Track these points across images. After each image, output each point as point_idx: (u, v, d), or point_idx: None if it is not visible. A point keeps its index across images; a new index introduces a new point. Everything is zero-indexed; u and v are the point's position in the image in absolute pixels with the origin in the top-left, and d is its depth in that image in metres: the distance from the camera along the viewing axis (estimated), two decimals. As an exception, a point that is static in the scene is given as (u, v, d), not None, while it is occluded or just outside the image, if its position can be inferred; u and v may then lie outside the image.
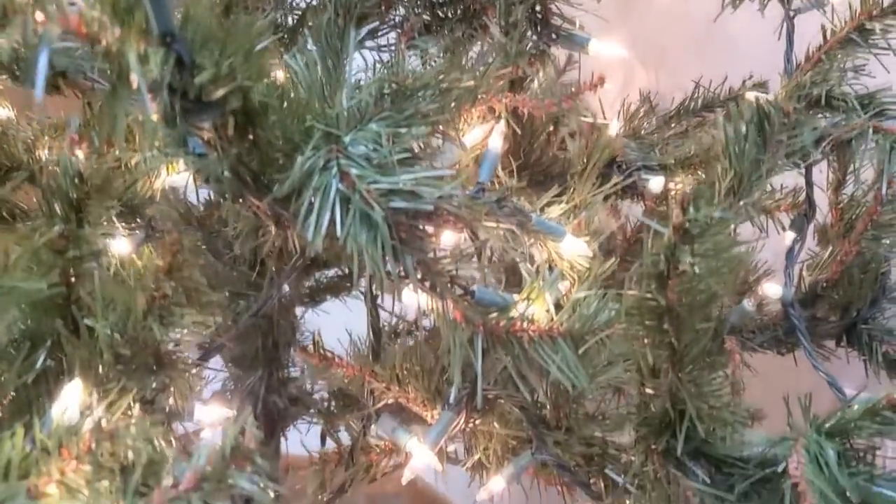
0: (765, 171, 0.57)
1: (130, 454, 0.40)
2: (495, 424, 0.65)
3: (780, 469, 0.54)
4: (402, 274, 0.49)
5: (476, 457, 0.65)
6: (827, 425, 0.54)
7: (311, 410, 0.93)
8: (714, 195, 0.42)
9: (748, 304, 0.79)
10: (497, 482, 0.62)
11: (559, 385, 0.68)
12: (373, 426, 0.64)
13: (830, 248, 0.85)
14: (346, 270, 1.13)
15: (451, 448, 0.74)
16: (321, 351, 0.68)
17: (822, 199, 0.88)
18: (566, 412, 0.67)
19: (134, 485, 0.38)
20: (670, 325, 0.50)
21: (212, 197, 0.93)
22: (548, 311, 0.55)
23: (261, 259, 0.90)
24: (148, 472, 0.40)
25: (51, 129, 0.73)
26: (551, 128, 0.63)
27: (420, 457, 0.57)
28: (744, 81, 0.97)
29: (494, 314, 0.54)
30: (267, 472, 0.38)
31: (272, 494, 0.38)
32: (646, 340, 0.51)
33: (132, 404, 0.40)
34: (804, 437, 0.52)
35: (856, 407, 0.54)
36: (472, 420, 0.60)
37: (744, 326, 0.83)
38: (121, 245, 0.57)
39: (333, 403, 0.85)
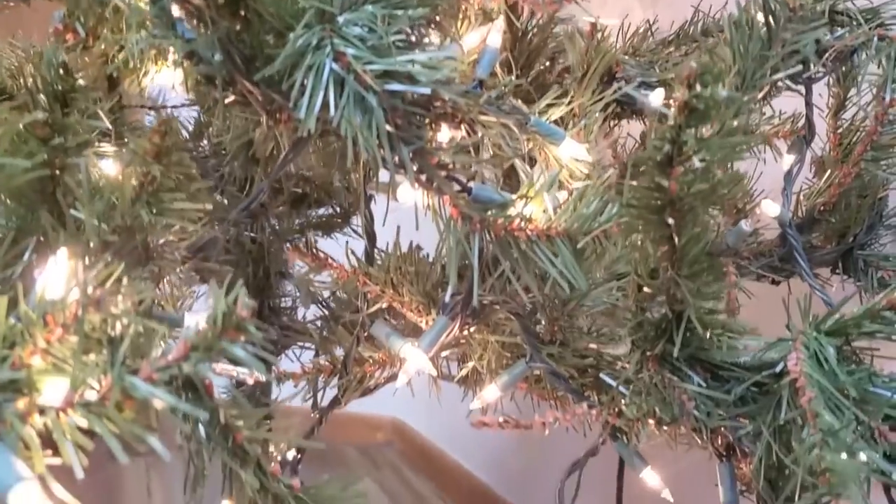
0: (769, 70, 0.56)
1: (118, 326, 0.39)
2: (491, 339, 0.64)
3: (778, 370, 0.54)
4: (398, 163, 0.48)
5: (470, 364, 0.65)
6: (826, 325, 0.53)
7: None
8: (721, 73, 0.41)
9: (745, 224, 0.78)
10: (491, 391, 0.61)
11: (554, 298, 0.68)
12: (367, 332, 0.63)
13: (829, 173, 0.84)
14: (338, 209, 1.12)
15: (444, 365, 0.74)
16: (314, 251, 0.67)
17: (820, 129, 0.87)
18: (560, 325, 0.67)
19: (121, 356, 0.37)
20: (672, 219, 0.49)
21: (201, 118, 0.91)
22: (546, 210, 0.54)
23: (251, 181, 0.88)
24: (136, 344, 0.38)
25: (36, 57, 0.71)
26: (551, 27, 0.62)
27: (414, 361, 0.57)
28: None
29: (492, 212, 0.52)
30: (260, 342, 0.37)
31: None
32: (646, 236, 0.50)
33: (121, 278, 0.39)
34: (803, 334, 0.51)
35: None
36: (466, 327, 0.60)
37: (740, 249, 0.82)
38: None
39: (326, 329, 0.84)
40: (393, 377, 0.69)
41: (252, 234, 0.92)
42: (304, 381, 0.72)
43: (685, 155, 0.44)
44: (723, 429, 0.60)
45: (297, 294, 0.88)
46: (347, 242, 0.71)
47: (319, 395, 0.72)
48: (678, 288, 0.53)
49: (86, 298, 0.36)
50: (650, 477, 0.65)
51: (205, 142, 0.93)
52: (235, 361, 0.41)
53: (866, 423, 0.49)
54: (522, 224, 0.53)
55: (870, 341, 0.54)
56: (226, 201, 0.88)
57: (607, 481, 1.03)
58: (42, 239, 0.51)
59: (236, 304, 0.37)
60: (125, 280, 0.39)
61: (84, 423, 0.37)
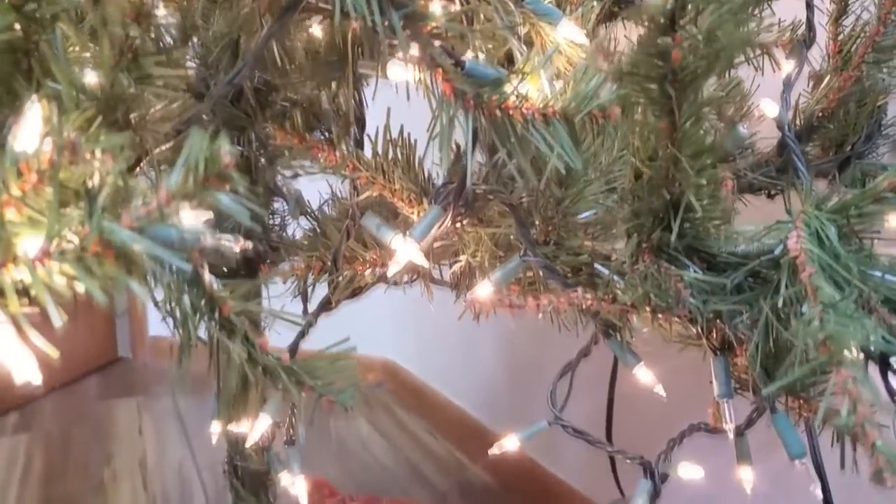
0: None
1: (96, 177, 0.37)
2: (484, 234, 0.62)
3: (777, 252, 0.53)
4: (389, 27, 0.46)
5: (462, 258, 0.63)
6: (827, 206, 0.52)
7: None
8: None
9: (742, 128, 0.76)
10: (484, 288, 0.60)
11: (549, 196, 0.66)
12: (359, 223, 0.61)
13: (827, 79, 0.82)
14: (327, 133, 1.09)
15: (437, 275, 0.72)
16: (300, 132, 0.65)
17: (820, 39, 0.85)
18: (555, 224, 0.65)
19: (100, 207, 0.36)
20: (673, 90, 0.47)
21: (186, 24, 0.88)
22: (542, 90, 0.53)
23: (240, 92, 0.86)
24: (115, 198, 0.37)
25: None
26: None
27: (404, 251, 0.55)
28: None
29: (486, 89, 0.51)
30: (245, 193, 0.36)
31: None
32: (646, 110, 0.49)
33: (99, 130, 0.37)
34: (804, 213, 0.50)
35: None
36: (459, 219, 0.58)
37: (737, 153, 0.81)
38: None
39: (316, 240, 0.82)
40: (384, 277, 0.68)
41: (240, 147, 0.90)
42: (293, 280, 0.70)
43: (688, 20, 0.43)
44: (718, 321, 0.59)
45: (287, 207, 0.86)
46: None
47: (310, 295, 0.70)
48: (677, 169, 0.52)
49: (61, 141, 0.34)
50: (643, 373, 0.64)
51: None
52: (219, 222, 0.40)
53: (866, 299, 0.48)
54: (518, 102, 0.51)
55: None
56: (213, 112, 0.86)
57: (599, 386, 1.03)
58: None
59: (219, 152, 0.36)
60: (104, 134, 0.37)
61: (61, 276, 0.36)
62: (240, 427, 0.85)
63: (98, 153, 0.36)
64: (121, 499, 1.93)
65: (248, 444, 0.72)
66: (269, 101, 0.96)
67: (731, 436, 0.60)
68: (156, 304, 0.41)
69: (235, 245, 0.43)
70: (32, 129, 0.37)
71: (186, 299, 0.44)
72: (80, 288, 0.37)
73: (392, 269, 0.55)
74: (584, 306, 0.53)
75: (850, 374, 0.42)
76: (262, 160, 0.93)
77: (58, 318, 0.35)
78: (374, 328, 2.71)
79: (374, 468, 2.05)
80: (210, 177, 0.36)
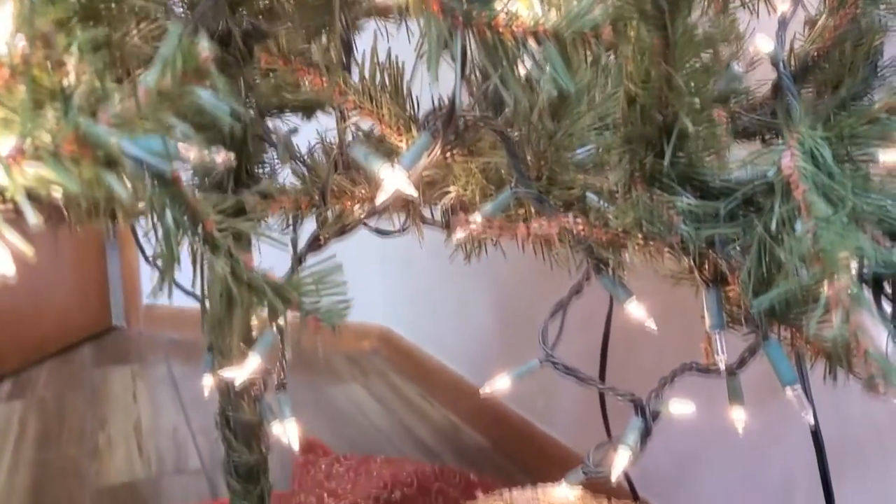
0: None
1: (71, 76, 0.36)
2: (473, 166, 0.62)
3: (770, 174, 0.52)
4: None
5: (453, 190, 0.62)
6: (822, 129, 0.51)
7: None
8: None
9: (737, 66, 0.75)
10: (475, 219, 0.59)
11: (541, 131, 0.65)
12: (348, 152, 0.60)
13: (823, 18, 0.81)
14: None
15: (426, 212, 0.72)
16: (286, 55, 0.64)
17: None
18: (547, 159, 0.64)
19: (75, 105, 0.35)
20: (665, 2, 0.46)
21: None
22: (532, 9, 0.51)
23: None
24: (92, 96, 0.36)
25: None
26: None
27: (392, 180, 0.54)
28: None
29: (475, 5, 0.49)
30: (225, 90, 0.35)
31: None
32: (639, 24, 0.48)
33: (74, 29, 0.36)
34: (798, 133, 0.49)
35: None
36: (449, 148, 0.57)
37: (732, 96, 0.80)
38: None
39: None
40: (373, 212, 0.67)
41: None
42: (280, 214, 0.69)
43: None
44: (710, 251, 0.58)
45: (275, 152, 0.85)
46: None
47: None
48: (670, 89, 0.51)
49: (33, 34, 0.33)
50: (635, 308, 0.64)
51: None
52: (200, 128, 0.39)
53: (861, 220, 0.48)
54: (508, 20, 0.50)
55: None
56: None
57: (592, 329, 1.02)
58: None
59: (196, 49, 0.34)
60: (79, 33, 0.36)
61: (36, 178, 0.35)
62: (230, 373, 0.84)
63: (74, 50, 0.35)
64: (116, 463, 1.93)
65: (238, 384, 0.72)
66: (258, 47, 0.94)
67: (721, 367, 0.59)
68: (136, 211, 0.40)
69: (218, 157, 0.42)
70: (4, 24, 0.36)
71: (169, 215, 0.43)
72: (58, 192, 0.36)
73: (380, 198, 0.54)
74: (575, 231, 0.52)
75: (844, 285, 0.42)
76: (252, 109, 0.91)
77: (34, 218, 0.34)
78: (368, 296, 2.71)
79: (368, 431, 2.06)
80: (188, 72, 0.35)
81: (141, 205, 0.44)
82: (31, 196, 0.35)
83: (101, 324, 2.99)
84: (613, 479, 0.70)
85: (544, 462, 1.75)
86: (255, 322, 0.70)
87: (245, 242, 0.44)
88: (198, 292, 0.55)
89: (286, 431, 0.83)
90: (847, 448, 1.05)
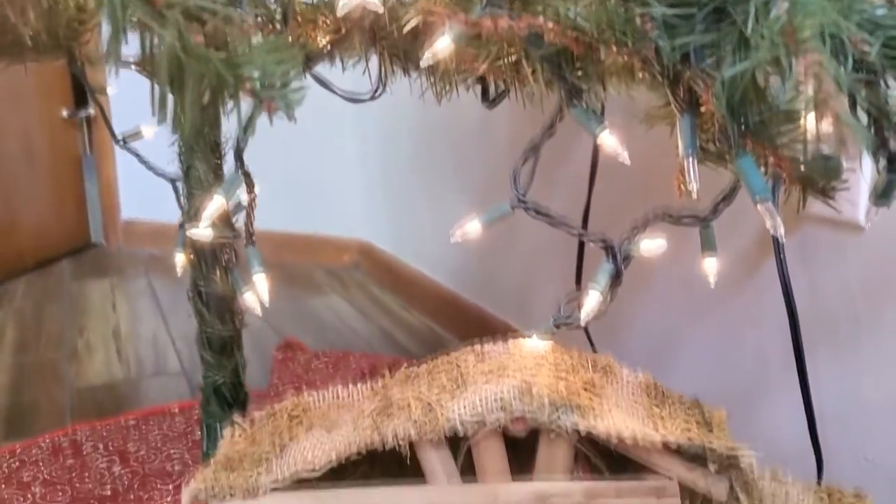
0: None
1: None
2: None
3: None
4: None
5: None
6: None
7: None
8: None
9: None
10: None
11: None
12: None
13: None
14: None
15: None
16: None
17: None
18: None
19: None
20: None
21: None
22: None
23: None
24: None
25: None
26: None
27: (358, -12, 0.52)
28: None
29: None
30: None
31: None
32: None
33: None
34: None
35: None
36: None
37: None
38: None
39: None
40: (339, 40, 0.65)
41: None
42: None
43: None
44: (685, 70, 0.57)
45: None
46: None
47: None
48: None
49: None
50: (607, 140, 0.62)
51: None
52: None
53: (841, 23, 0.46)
54: None
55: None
56: None
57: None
58: None
59: None
60: None
61: None
62: (200, 225, 0.83)
63: None
64: (94, 366, 1.93)
65: (204, 222, 0.70)
66: None
67: (694, 195, 0.58)
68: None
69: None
70: None
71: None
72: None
73: (342, 9, 0.52)
74: (543, 32, 0.50)
75: (815, 58, 0.41)
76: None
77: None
78: (347, 210, 2.70)
79: (347, 336, 2.07)
80: None
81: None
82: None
83: (79, 240, 2.96)
84: (583, 321, 0.70)
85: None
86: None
87: (195, 24, 0.42)
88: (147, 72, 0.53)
89: (256, 285, 0.82)
90: (820, 320, 1.06)
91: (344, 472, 0.76)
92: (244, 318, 1.06)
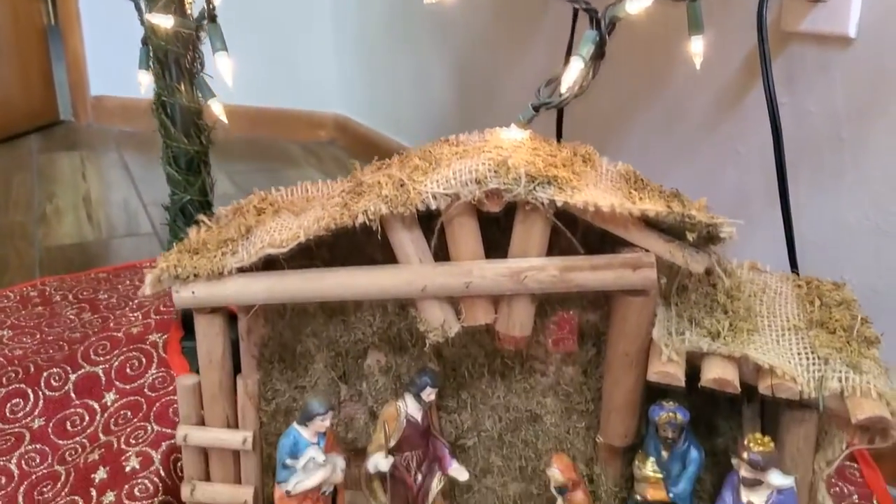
0: None
1: None
2: None
3: None
4: None
5: None
6: None
7: None
8: None
9: None
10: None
11: None
12: None
13: None
14: None
15: None
16: None
17: None
18: None
19: None
20: None
21: None
22: None
23: None
24: None
25: None
26: None
27: None
28: None
29: None
30: None
31: None
32: None
33: None
34: None
35: None
36: None
37: None
38: None
39: None
40: None
41: None
42: None
43: None
44: None
45: None
46: None
47: None
48: None
49: None
50: None
51: None
52: None
53: None
54: None
55: None
56: None
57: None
58: None
59: None
60: None
61: None
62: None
63: None
64: (64, 228, 1.89)
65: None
66: None
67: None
68: None
69: None
70: None
71: None
72: None
73: None
74: None
75: None
76: None
77: None
78: (322, 85, 2.62)
79: (324, 201, 2.03)
80: None
81: None
82: None
83: (46, 116, 2.87)
84: (563, 88, 0.67)
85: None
86: None
87: None
88: None
89: (218, 66, 0.77)
90: (803, 146, 1.04)
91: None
92: (211, 135, 1.01)
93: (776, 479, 0.67)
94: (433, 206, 0.67)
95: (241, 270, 0.73)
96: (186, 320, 1.06)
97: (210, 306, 0.75)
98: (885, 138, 0.95)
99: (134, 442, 0.93)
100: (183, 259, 0.73)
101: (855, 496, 0.98)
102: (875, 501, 0.98)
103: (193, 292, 0.73)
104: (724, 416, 0.82)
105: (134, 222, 1.93)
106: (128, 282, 1.57)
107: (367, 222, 0.68)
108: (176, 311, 1.12)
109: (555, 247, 0.71)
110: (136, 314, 1.17)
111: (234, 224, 0.77)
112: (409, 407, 0.80)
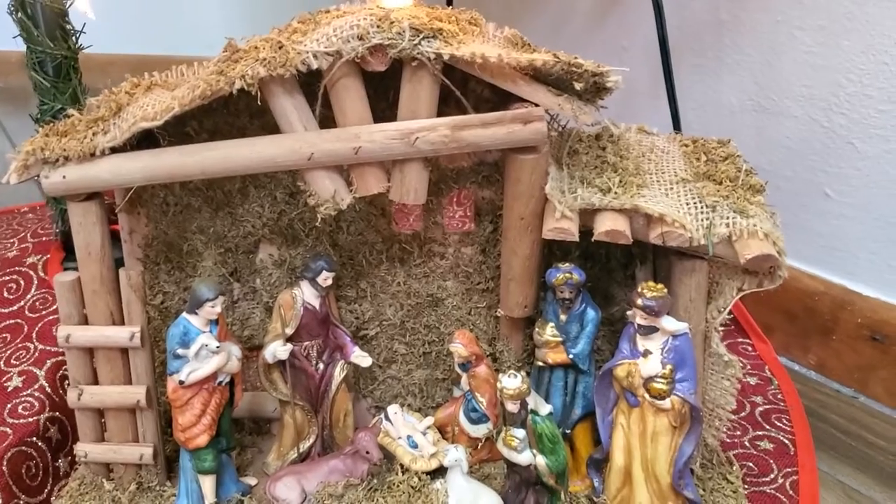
0: None
1: None
2: None
3: None
4: None
5: None
6: None
7: None
8: None
9: None
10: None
11: None
12: None
13: None
14: None
15: None
16: None
17: None
18: None
19: None
20: None
21: None
22: None
23: None
24: None
25: None
26: None
27: None
28: None
29: None
30: None
31: None
32: None
33: None
34: None
35: None
36: None
37: None
38: None
39: None
40: None
41: None
42: None
43: None
44: None
45: None
46: None
47: None
48: None
49: None
50: None
51: None
52: None
53: None
54: None
55: None
56: None
57: None
58: None
59: None
60: None
61: None
62: None
63: None
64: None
65: None
66: None
67: None
68: None
69: None
70: None
71: None
72: None
73: None
74: None
75: None
76: None
77: None
78: (206, 26, 2.51)
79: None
80: None
81: None
82: None
83: None
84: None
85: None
86: None
87: None
88: None
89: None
90: (686, 33, 1.06)
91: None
92: (79, 39, 0.95)
93: (670, 324, 0.68)
94: (314, 66, 0.64)
95: (115, 151, 0.69)
96: (67, 240, 1.00)
97: (84, 191, 0.70)
98: (761, 17, 0.97)
99: (16, 362, 0.87)
100: (51, 142, 0.68)
101: (749, 366, 1.02)
102: (767, 370, 1.02)
103: (64, 176, 0.69)
104: (619, 284, 0.84)
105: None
106: (4, 226, 1.47)
107: (245, 87, 0.65)
108: (55, 231, 1.06)
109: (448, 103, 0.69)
110: (11, 241, 1.09)
111: (105, 104, 0.72)
112: (306, 294, 0.78)
